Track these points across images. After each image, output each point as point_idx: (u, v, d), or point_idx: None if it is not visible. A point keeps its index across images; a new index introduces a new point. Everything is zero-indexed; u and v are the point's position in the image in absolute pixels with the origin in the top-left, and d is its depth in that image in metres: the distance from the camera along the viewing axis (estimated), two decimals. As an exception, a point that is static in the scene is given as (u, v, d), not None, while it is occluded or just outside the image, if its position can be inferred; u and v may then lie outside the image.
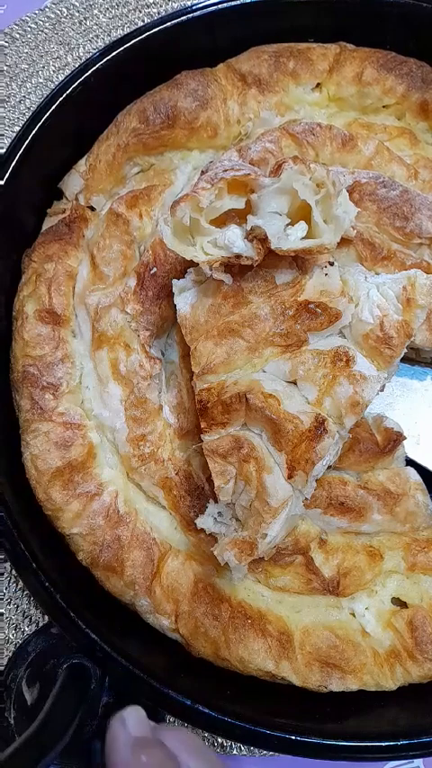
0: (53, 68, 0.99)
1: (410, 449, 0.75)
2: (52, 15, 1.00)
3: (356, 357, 0.65)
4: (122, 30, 1.00)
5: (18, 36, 0.99)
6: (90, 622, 0.67)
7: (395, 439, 0.71)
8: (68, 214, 0.80)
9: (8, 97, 0.97)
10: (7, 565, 0.81)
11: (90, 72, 0.79)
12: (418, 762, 0.79)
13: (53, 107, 0.78)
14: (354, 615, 0.71)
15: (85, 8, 1.01)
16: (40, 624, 0.80)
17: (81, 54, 0.99)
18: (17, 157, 0.77)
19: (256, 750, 0.76)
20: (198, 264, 0.63)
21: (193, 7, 0.82)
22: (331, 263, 0.67)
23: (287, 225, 0.62)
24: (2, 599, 0.81)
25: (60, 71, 0.99)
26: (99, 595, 0.72)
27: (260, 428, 0.64)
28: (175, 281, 0.68)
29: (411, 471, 0.73)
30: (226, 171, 0.61)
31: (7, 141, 0.89)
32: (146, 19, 1.01)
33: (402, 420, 0.74)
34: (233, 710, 0.65)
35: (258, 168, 0.68)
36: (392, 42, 0.85)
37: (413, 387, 0.80)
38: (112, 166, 0.82)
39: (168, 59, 0.83)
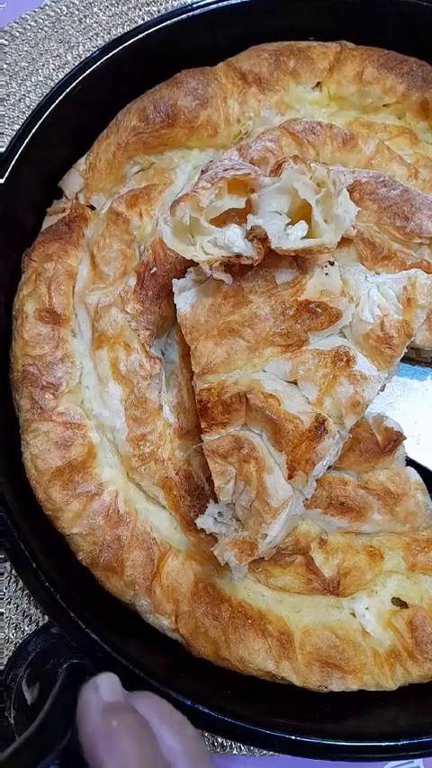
0: (53, 67, 0.98)
1: (410, 449, 0.75)
2: (52, 13, 1.00)
3: (357, 357, 0.65)
4: (122, 28, 1.00)
5: (18, 34, 0.99)
6: (90, 622, 0.67)
7: (395, 439, 0.71)
8: (68, 213, 0.80)
9: (8, 95, 0.97)
10: (7, 565, 0.81)
11: (90, 70, 0.79)
12: (418, 762, 0.79)
13: (53, 105, 0.78)
14: (354, 615, 0.71)
15: (84, 6, 1.00)
16: (40, 624, 0.80)
17: (81, 52, 0.99)
18: (17, 156, 0.77)
19: (256, 750, 0.76)
20: (198, 264, 0.63)
21: (194, 5, 0.82)
22: (332, 263, 0.67)
23: (287, 224, 0.62)
24: (2, 599, 0.81)
25: (60, 69, 0.98)
26: (99, 595, 0.72)
27: (260, 428, 0.64)
28: (175, 281, 0.68)
29: (411, 471, 0.73)
30: (226, 170, 0.61)
31: (7, 140, 0.89)
32: (146, 17, 1.00)
33: (402, 420, 0.74)
34: (233, 710, 0.65)
35: (258, 167, 0.68)
36: (392, 41, 0.85)
37: (413, 387, 0.80)
38: (112, 165, 0.81)
39: (168, 58, 0.83)
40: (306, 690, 0.68)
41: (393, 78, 0.83)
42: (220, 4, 0.82)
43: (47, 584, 0.68)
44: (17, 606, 0.81)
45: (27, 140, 0.77)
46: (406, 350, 0.67)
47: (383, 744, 0.64)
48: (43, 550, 0.70)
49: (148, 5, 1.01)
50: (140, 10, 1.01)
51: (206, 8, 0.82)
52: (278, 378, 0.65)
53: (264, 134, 0.79)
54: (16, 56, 0.98)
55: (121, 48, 0.80)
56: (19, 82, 0.98)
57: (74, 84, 0.79)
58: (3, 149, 0.78)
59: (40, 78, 0.98)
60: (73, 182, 0.82)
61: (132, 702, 0.52)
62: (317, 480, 0.65)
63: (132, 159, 0.82)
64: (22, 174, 0.77)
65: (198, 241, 0.62)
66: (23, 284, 0.78)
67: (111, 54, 0.80)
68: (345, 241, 0.70)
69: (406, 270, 0.70)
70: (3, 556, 0.79)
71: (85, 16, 1.00)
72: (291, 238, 0.61)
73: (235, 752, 0.77)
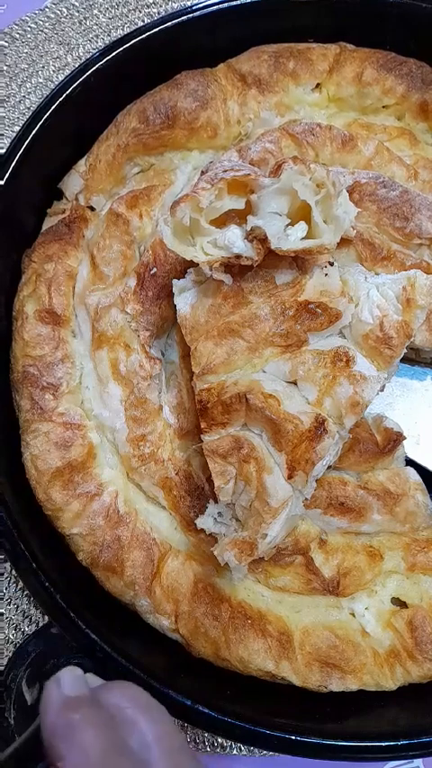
0: (53, 68, 0.99)
1: (410, 449, 0.75)
2: (52, 15, 1.00)
3: (356, 357, 0.65)
4: (122, 30, 1.00)
5: (18, 36, 0.99)
6: (90, 622, 0.67)
7: (395, 439, 0.71)
8: (68, 214, 0.80)
9: (8, 97, 0.97)
10: (7, 565, 0.81)
11: (90, 72, 0.79)
12: (418, 762, 0.79)
13: (53, 107, 0.78)
14: (354, 615, 0.71)
15: (84, 8, 1.01)
16: (40, 624, 0.80)
17: (81, 54, 0.99)
18: (17, 157, 0.77)
19: (256, 750, 0.76)
20: (198, 264, 0.63)
21: (194, 7, 0.82)
22: (331, 264, 0.67)
23: (287, 225, 0.62)
24: (2, 599, 0.81)
25: (60, 71, 0.98)
26: (99, 595, 0.72)
27: (260, 428, 0.64)
28: (175, 282, 0.68)
29: (411, 471, 0.73)
30: (226, 171, 0.61)
31: (7, 141, 0.89)
32: (146, 19, 1.01)
33: (402, 420, 0.74)
34: (233, 710, 0.65)
35: (258, 168, 0.68)
36: (392, 42, 0.85)
37: (413, 387, 0.81)
38: (111, 166, 0.82)
39: (168, 59, 0.83)
40: (306, 690, 0.68)
41: (393, 80, 0.83)
42: (219, 6, 0.82)
43: (47, 584, 0.68)
44: (17, 607, 0.81)
45: (27, 142, 0.77)
46: (405, 350, 0.67)
47: (383, 744, 0.64)
48: (43, 551, 0.70)
49: (149, 7, 1.01)
50: (140, 12, 1.01)
51: (206, 10, 0.82)
52: (278, 378, 0.65)
53: (263, 135, 0.79)
54: (16, 57, 0.99)
55: (121, 49, 0.80)
56: (19, 83, 0.98)
57: (74, 85, 0.79)
58: (3, 151, 0.79)
59: (41, 80, 0.98)
60: (73, 183, 0.82)
61: (108, 692, 0.51)
62: (317, 480, 0.65)
63: (132, 160, 0.83)
64: (23, 175, 0.77)
65: (198, 242, 0.62)
66: (23, 285, 0.78)
67: (111, 56, 0.80)
68: (344, 242, 0.70)
69: (405, 270, 0.70)
70: (3, 556, 0.79)
71: (85, 18, 1.01)
72: (290, 239, 0.61)
73: (235, 752, 0.77)
